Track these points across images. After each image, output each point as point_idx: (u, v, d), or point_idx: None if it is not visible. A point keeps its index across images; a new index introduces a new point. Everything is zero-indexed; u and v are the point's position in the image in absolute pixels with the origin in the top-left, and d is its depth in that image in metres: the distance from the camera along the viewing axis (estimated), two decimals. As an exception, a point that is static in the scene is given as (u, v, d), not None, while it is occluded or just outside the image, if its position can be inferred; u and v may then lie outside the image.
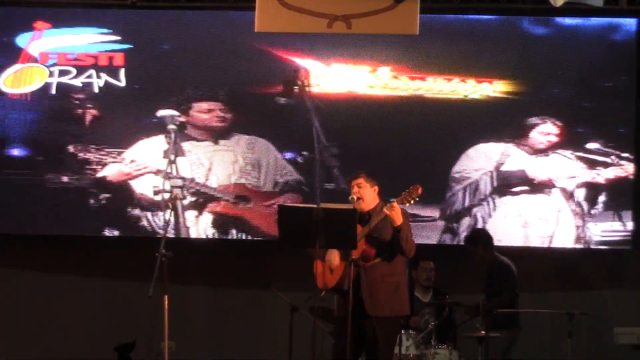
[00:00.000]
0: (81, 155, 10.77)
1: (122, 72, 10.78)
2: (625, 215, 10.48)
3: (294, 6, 8.06)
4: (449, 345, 9.30)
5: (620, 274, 10.71)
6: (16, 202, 10.80)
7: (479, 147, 10.65)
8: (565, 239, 10.53)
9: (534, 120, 10.60)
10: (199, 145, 10.78)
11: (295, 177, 10.73)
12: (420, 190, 7.67)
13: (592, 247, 10.51)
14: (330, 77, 10.66)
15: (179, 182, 10.75)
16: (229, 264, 10.88)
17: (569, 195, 10.54)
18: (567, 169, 10.55)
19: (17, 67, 10.81)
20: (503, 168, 10.63)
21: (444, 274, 10.17)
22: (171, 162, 10.76)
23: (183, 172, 10.76)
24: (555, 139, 10.58)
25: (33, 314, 10.96)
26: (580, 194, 10.54)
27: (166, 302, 7.65)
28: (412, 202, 7.68)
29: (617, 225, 10.50)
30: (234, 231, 10.75)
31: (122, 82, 10.77)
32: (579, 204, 10.53)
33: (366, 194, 7.82)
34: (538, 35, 10.64)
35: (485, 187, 10.63)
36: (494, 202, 10.64)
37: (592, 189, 10.53)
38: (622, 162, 10.49)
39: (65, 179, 10.76)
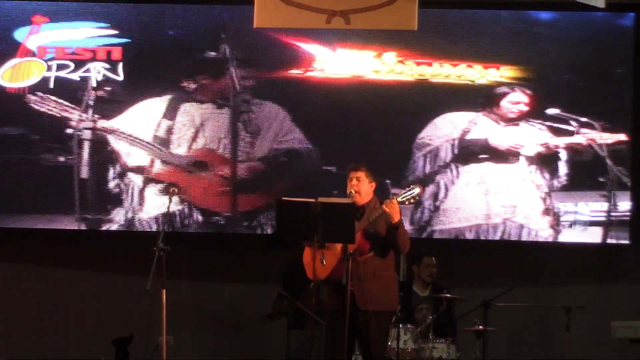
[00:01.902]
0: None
1: (120, 65, 10.79)
2: (620, 195, 10.48)
3: (292, 1, 8.06)
4: (447, 340, 9.32)
5: (617, 267, 10.72)
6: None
7: (445, 116, 10.66)
8: (530, 211, 10.52)
9: (504, 89, 10.62)
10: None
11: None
12: (422, 192, 7.73)
13: (577, 225, 10.52)
14: (336, 62, 10.69)
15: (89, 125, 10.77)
16: (227, 258, 10.88)
17: (536, 165, 10.56)
18: (535, 139, 10.56)
19: (15, 61, 10.81)
20: (468, 136, 10.63)
21: (443, 269, 10.20)
22: (88, 106, 10.78)
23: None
24: (525, 108, 10.59)
25: (30, 308, 10.96)
26: (547, 164, 10.56)
27: (164, 296, 7.67)
28: (412, 201, 7.72)
29: (606, 205, 10.51)
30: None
31: (120, 76, 10.78)
32: (544, 174, 10.55)
33: (363, 188, 7.82)
34: (544, 20, 10.65)
35: (446, 154, 10.63)
36: (457, 170, 10.64)
37: (558, 160, 10.56)
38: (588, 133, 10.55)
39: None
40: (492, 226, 10.54)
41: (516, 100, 10.59)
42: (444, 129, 10.64)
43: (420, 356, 9.24)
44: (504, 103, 10.60)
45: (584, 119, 10.52)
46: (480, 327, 9.32)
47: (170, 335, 8.19)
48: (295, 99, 10.74)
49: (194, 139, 10.77)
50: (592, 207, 10.49)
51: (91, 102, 10.77)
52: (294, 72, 10.73)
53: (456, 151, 10.63)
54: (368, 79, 10.67)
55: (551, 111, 10.55)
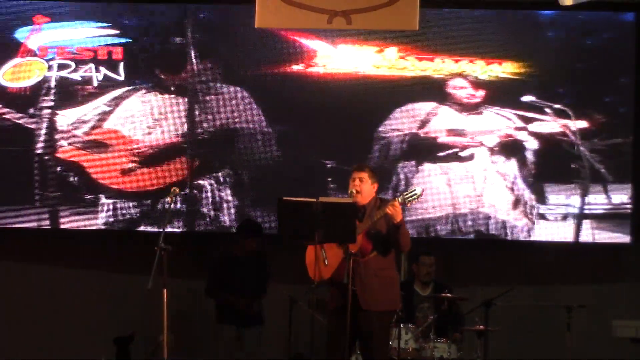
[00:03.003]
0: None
1: (121, 65, 10.79)
2: (612, 187, 10.49)
3: (294, 2, 8.07)
4: (449, 339, 9.32)
5: (618, 267, 10.72)
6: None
7: (405, 108, 10.68)
8: (497, 200, 10.53)
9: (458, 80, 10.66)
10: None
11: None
12: (422, 194, 7.75)
13: (570, 218, 10.54)
14: (337, 57, 10.70)
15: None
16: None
17: (497, 154, 10.60)
18: (509, 127, 10.59)
19: (16, 61, 10.81)
20: (429, 126, 10.65)
21: (445, 268, 10.22)
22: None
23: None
24: (482, 94, 10.62)
25: (31, 307, 10.95)
26: (510, 153, 10.59)
27: (165, 296, 7.68)
28: (413, 203, 7.74)
29: (601, 198, 10.52)
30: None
31: (121, 76, 10.78)
32: (508, 163, 10.58)
33: (364, 189, 7.84)
34: (546, 17, 10.66)
35: (408, 145, 10.64)
36: (417, 161, 10.66)
37: (522, 149, 10.58)
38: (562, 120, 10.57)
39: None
40: (462, 216, 10.56)
41: (465, 86, 10.65)
42: (405, 121, 10.67)
43: (421, 356, 9.24)
44: (459, 92, 10.62)
45: (557, 106, 10.54)
46: (482, 326, 9.32)
47: (171, 334, 8.20)
48: (295, 95, 10.75)
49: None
50: (587, 200, 10.53)
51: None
52: (295, 67, 10.74)
53: (419, 142, 10.65)
54: (369, 74, 10.68)
55: (526, 98, 10.57)
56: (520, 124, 10.56)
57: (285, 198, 7.63)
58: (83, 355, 10.67)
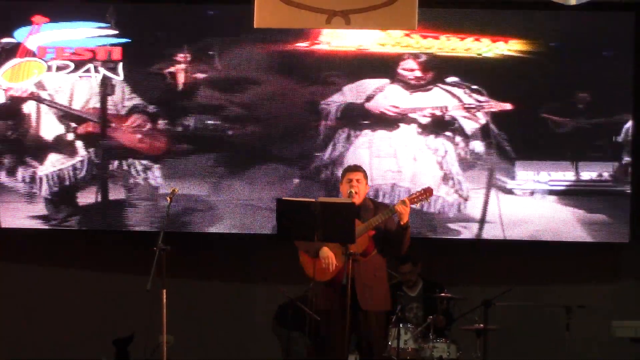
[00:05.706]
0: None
1: (120, 66, 10.79)
2: (583, 165, 10.49)
3: (292, 2, 8.08)
4: (447, 339, 9.33)
5: (617, 267, 10.73)
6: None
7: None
8: (425, 175, 10.53)
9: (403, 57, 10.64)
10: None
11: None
12: (432, 193, 7.78)
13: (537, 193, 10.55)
14: (341, 34, 10.67)
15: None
16: (228, 257, 10.89)
17: (429, 131, 10.62)
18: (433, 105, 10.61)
19: (15, 61, 10.82)
20: (371, 102, 10.63)
21: (439, 267, 10.22)
22: None
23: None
24: (420, 74, 10.61)
25: (30, 308, 10.96)
26: (442, 130, 10.61)
27: (164, 296, 7.68)
28: (422, 201, 7.78)
29: (570, 175, 10.51)
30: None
31: (120, 76, 10.78)
32: (439, 140, 10.59)
33: (361, 190, 7.90)
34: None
35: (336, 120, 10.67)
36: (349, 135, 10.65)
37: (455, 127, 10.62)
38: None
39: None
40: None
41: (411, 67, 10.60)
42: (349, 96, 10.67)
43: (420, 356, 9.24)
44: (400, 70, 10.61)
45: (475, 87, 10.53)
46: (481, 325, 9.32)
47: (170, 335, 8.20)
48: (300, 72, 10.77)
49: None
50: (556, 176, 10.52)
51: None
52: (300, 44, 10.71)
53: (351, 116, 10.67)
54: (373, 51, 10.65)
55: (450, 79, 10.56)
56: (449, 103, 10.58)
57: (284, 198, 7.68)
58: (82, 356, 10.67)
